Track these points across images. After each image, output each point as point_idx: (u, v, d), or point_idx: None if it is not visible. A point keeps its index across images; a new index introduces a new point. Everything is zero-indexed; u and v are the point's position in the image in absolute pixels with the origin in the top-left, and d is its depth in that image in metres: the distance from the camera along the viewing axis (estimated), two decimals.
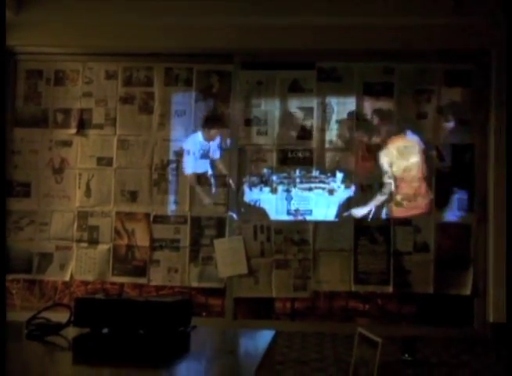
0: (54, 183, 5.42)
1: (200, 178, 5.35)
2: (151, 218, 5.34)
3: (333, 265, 5.19)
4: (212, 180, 5.34)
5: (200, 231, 5.32)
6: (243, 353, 2.04)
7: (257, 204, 5.30)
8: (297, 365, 3.80)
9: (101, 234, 5.36)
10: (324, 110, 5.30)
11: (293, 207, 5.26)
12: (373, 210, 5.20)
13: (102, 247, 5.35)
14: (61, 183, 5.43)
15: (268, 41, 5.17)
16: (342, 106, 5.30)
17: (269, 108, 5.35)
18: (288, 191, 5.27)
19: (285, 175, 5.28)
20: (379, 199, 5.21)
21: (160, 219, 5.35)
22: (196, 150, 5.37)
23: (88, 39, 5.30)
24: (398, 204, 5.20)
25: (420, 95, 5.23)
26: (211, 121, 5.39)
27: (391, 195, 5.20)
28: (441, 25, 4.98)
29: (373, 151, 5.24)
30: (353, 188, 5.22)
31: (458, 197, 5.16)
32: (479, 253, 5.12)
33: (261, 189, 5.30)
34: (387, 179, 5.22)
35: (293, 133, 5.31)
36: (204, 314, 5.36)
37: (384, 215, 5.20)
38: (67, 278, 5.35)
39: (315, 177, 5.27)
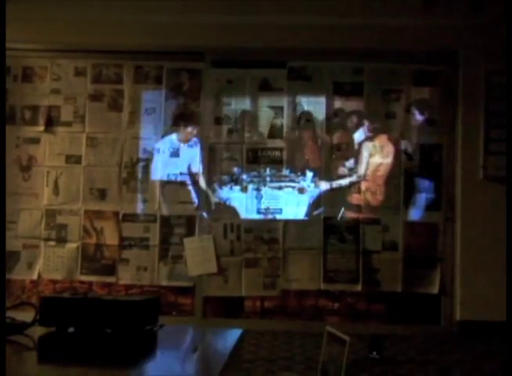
0: (21, 181, 5.36)
1: (170, 177, 5.32)
2: (120, 217, 5.31)
3: (302, 263, 5.21)
4: (182, 178, 5.32)
5: (170, 230, 5.30)
6: (210, 352, 2.04)
7: (228, 202, 5.30)
8: (265, 363, 3.81)
9: (69, 233, 5.31)
10: (294, 109, 5.32)
11: (263, 206, 5.27)
12: (342, 209, 5.23)
13: (71, 246, 5.30)
14: (29, 181, 5.37)
15: (238, 39, 5.17)
16: (312, 106, 5.33)
17: (240, 107, 5.35)
18: (258, 190, 5.27)
19: (255, 173, 5.29)
20: (348, 198, 5.24)
21: (130, 218, 5.32)
22: (166, 149, 5.34)
23: (57, 35, 5.24)
24: (367, 203, 5.24)
25: (389, 95, 5.28)
26: (181, 119, 5.37)
27: (360, 194, 5.24)
28: (409, 26, 5.03)
29: (342, 150, 5.27)
30: (323, 187, 5.25)
31: (426, 196, 5.22)
32: (446, 252, 5.18)
33: (231, 188, 5.29)
34: (356, 178, 5.25)
35: (264, 132, 5.32)
36: (174, 313, 5.34)
37: (352, 214, 5.23)
38: (35, 277, 5.30)
39: (285, 176, 5.28)
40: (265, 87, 5.34)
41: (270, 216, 5.27)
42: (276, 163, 5.28)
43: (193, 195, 5.31)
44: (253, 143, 5.32)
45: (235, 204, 5.29)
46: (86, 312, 2.01)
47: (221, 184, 5.30)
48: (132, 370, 1.68)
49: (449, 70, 5.27)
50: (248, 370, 3.56)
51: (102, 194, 5.32)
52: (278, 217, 5.26)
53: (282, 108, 5.32)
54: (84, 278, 5.31)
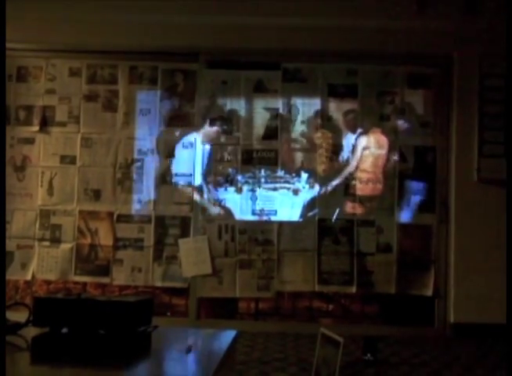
0: (16, 181, 5.35)
1: (165, 178, 5.32)
2: (115, 217, 5.30)
3: (296, 265, 5.21)
4: (177, 180, 5.32)
5: (164, 230, 5.29)
6: (204, 353, 2.04)
7: (222, 203, 5.29)
8: (259, 365, 3.81)
9: (63, 233, 5.30)
10: (289, 110, 5.32)
11: (257, 208, 5.27)
12: (337, 211, 5.23)
13: (65, 246, 5.29)
14: (23, 181, 5.36)
15: (233, 40, 5.18)
16: (307, 107, 5.33)
17: (234, 108, 5.35)
18: (253, 191, 5.27)
19: (250, 174, 5.29)
20: (343, 200, 5.25)
21: (124, 218, 5.31)
22: (161, 149, 5.34)
23: (52, 35, 5.24)
24: (362, 205, 5.24)
25: (383, 97, 5.29)
26: (176, 120, 5.36)
27: (355, 196, 5.24)
28: (404, 29, 5.04)
29: (337, 152, 5.28)
30: (317, 188, 5.25)
31: (420, 199, 5.23)
32: (440, 254, 5.19)
33: (225, 189, 5.29)
34: (350, 180, 5.26)
35: (259, 133, 5.32)
36: (168, 314, 5.34)
37: (347, 215, 5.24)
38: (29, 277, 5.29)
39: (280, 177, 5.28)
40: (260, 88, 5.34)
41: (265, 217, 5.27)
42: (271, 164, 5.28)
43: (188, 196, 5.30)
44: (247, 145, 5.32)
45: (229, 205, 5.29)
46: (80, 313, 2.01)
47: (216, 185, 5.30)
48: (126, 371, 1.69)
49: (443, 72, 5.29)
50: (242, 371, 3.56)
51: (96, 195, 5.32)
52: (272, 218, 5.26)
53: (277, 110, 5.32)
54: (78, 279, 5.30)
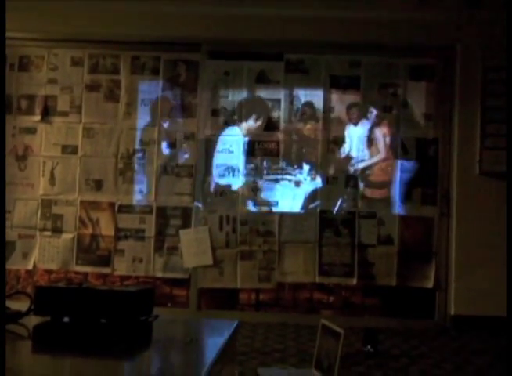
0: (17, 171, 5.35)
1: (166, 168, 5.32)
2: (116, 208, 5.30)
3: (297, 256, 5.21)
4: (178, 170, 5.31)
5: (166, 221, 5.30)
6: (205, 343, 2.04)
7: (224, 194, 5.29)
8: (259, 355, 3.82)
9: (65, 223, 5.31)
10: (291, 101, 5.31)
11: (259, 199, 5.27)
12: (338, 202, 5.23)
13: (66, 236, 5.30)
14: (24, 171, 5.36)
15: (236, 31, 5.17)
16: (309, 98, 5.32)
17: (236, 99, 5.34)
18: (254, 182, 5.27)
19: (252, 166, 5.28)
20: (344, 191, 5.24)
21: (125, 209, 5.31)
22: (163, 140, 5.34)
23: (54, 25, 5.23)
24: (363, 197, 5.24)
25: (386, 89, 5.28)
26: (178, 111, 5.35)
27: (356, 188, 5.24)
28: (406, 20, 5.03)
29: (339, 144, 5.27)
30: (319, 180, 5.25)
31: (422, 191, 5.23)
32: (441, 246, 5.19)
33: (227, 180, 5.28)
34: (352, 172, 5.25)
35: (261, 124, 5.31)
36: (169, 304, 5.35)
37: (348, 207, 5.24)
38: (30, 267, 5.30)
39: (282, 168, 5.28)
40: (262, 79, 5.33)
41: (266, 209, 5.27)
42: (273, 155, 5.28)
43: (189, 187, 5.29)
44: (249, 136, 5.31)
45: (231, 196, 5.29)
46: (81, 302, 2.01)
47: (218, 176, 5.29)
48: (127, 361, 1.68)
49: (446, 64, 5.27)
50: (242, 362, 3.57)
51: (98, 185, 5.32)
52: (274, 210, 5.26)
53: (279, 101, 5.31)
54: (79, 269, 5.31)
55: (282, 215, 5.24)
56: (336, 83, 5.30)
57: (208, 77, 5.33)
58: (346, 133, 5.29)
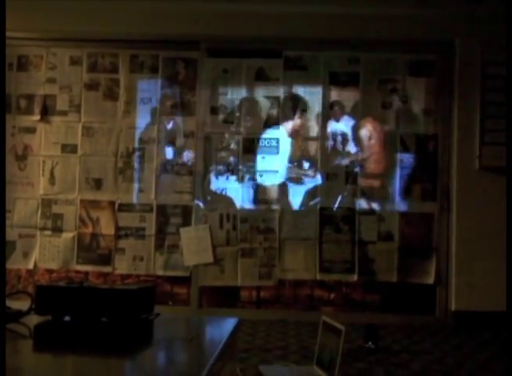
0: (17, 170, 5.35)
1: (166, 167, 5.32)
2: (116, 206, 5.30)
3: (298, 253, 5.21)
4: (178, 168, 5.31)
5: (166, 219, 5.30)
6: (206, 341, 2.04)
7: (224, 192, 5.30)
8: (260, 353, 3.82)
9: (65, 222, 5.31)
10: (290, 98, 5.31)
11: (259, 196, 5.27)
12: (338, 199, 5.23)
13: (67, 235, 5.30)
14: (24, 170, 5.36)
15: (234, 28, 5.16)
16: (308, 95, 5.32)
17: (235, 96, 5.33)
18: (254, 180, 5.27)
19: (251, 163, 5.28)
20: (344, 188, 5.24)
21: (126, 207, 5.31)
22: (162, 138, 5.33)
23: (52, 24, 5.22)
24: (363, 194, 5.24)
25: (385, 85, 5.28)
26: (177, 109, 5.35)
27: (356, 184, 5.24)
28: (405, 15, 5.02)
29: (338, 140, 5.27)
30: (319, 177, 5.25)
31: (421, 187, 5.22)
32: (442, 242, 5.19)
33: (227, 178, 5.29)
34: (352, 169, 5.25)
35: (260, 122, 5.31)
36: (170, 303, 5.36)
37: (348, 204, 5.24)
38: (31, 266, 5.30)
39: (282, 166, 5.27)
40: (261, 77, 5.33)
41: (266, 206, 5.26)
42: (272, 153, 5.28)
43: (189, 185, 5.29)
44: (249, 133, 5.31)
45: (231, 193, 5.29)
46: (82, 301, 2.01)
47: (217, 174, 5.30)
48: (128, 359, 1.69)
49: (445, 60, 5.27)
50: (243, 359, 3.57)
51: (98, 184, 5.32)
52: (274, 207, 5.26)
53: (278, 98, 5.31)
54: (80, 268, 5.31)
55: (282, 212, 5.24)
56: (335, 79, 5.29)
57: (207, 75, 5.33)
58: (346, 129, 5.28)
